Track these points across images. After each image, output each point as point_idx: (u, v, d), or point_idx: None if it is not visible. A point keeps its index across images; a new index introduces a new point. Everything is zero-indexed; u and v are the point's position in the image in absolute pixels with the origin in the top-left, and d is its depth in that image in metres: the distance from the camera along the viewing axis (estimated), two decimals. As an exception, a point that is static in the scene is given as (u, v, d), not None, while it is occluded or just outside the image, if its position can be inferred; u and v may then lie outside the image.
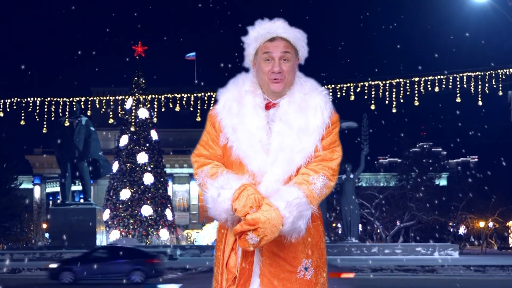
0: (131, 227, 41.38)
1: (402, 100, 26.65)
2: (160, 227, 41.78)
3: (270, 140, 3.42)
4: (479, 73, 25.80)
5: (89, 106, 30.53)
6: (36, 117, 29.65)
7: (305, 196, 3.33)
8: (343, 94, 26.71)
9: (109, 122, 31.06)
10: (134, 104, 39.03)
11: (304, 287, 3.44)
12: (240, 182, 3.36)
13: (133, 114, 38.48)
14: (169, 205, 43.16)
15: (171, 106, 29.87)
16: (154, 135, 43.46)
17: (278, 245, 3.41)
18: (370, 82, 26.66)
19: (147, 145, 42.89)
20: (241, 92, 3.52)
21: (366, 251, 34.69)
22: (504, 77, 25.60)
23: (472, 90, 25.75)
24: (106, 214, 41.08)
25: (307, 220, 3.34)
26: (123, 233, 41.14)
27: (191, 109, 29.25)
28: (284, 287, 3.41)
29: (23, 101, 29.63)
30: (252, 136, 3.42)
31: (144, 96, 36.31)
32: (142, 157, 42.51)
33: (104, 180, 52.08)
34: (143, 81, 43.22)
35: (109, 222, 41.21)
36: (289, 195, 3.31)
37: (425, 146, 75.42)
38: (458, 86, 25.80)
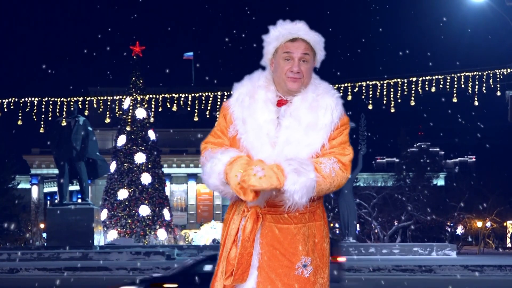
0: (129, 227, 41.37)
1: (399, 100, 26.67)
2: (158, 227, 41.77)
3: (278, 134, 3.48)
4: (477, 73, 25.82)
5: (86, 106, 30.52)
6: (34, 117, 29.63)
7: (310, 162, 3.39)
8: (341, 94, 26.67)
9: (107, 122, 31.03)
10: (131, 104, 38.99)
11: (301, 284, 3.46)
12: (239, 153, 3.44)
13: (130, 114, 38.43)
14: (166, 205, 43.15)
15: (169, 106, 29.88)
16: (151, 135, 43.44)
17: (278, 239, 3.45)
18: (367, 82, 26.67)
19: (145, 145, 42.87)
20: (255, 87, 3.60)
21: (363, 251, 34.71)
22: (502, 77, 25.63)
23: (469, 90, 25.76)
24: (104, 214, 41.06)
25: (312, 185, 3.34)
26: (120, 233, 41.15)
27: (189, 109, 29.26)
28: (282, 282, 3.44)
29: (21, 100, 29.60)
30: (260, 129, 3.49)
31: (141, 96, 36.33)
32: (140, 157, 42.49)
33: (101, 180, 52.04)
34: (141, 81, 43.17)
35: (107, 222, 41.19)
36: (291, 157, 3.40)
37: (422, 146, 75.49)
38: (456, 86, 25.82)
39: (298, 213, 3.47)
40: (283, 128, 3.49)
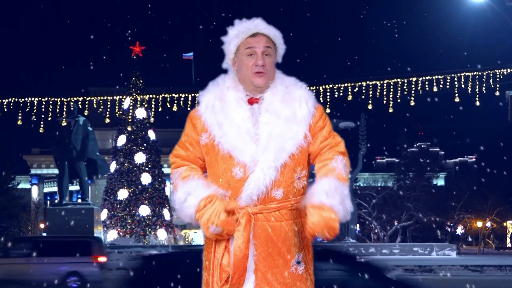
0: (129, 227, 41.35)
1: (399, 100, 26.64)
2: (158, 227, 41.75)
3: (259, 131, 3.46)
4: (477, 73, 25.79)
5: (86, 106, 30.46)
6: (34, 117, 29.57)
7: (336, 179, 3.44)
8: (341, 94, 26.68)
9: (107, 122, 31.02)
10: (131, 104, 38.94)
11: (296, 281, 3.47)
12: (208, 191, 3.44)
13: (130, 114, 38.37)
14: (166, 205, 43.12)
15: (169, 106, 29.84)
16: (151, 135, 43.44)
17: (272, 238, 3.44)
18: (367, 82, 26.64)
19: (145, 145, 42.87)
20: (223, 90, 3.57)
21: (363, 251, 34.69)
22: (501, 77, 25.59)
23: (469, 90, 25.74)
24: (104, 214, 41.04)
25: (349, 198, 3.48)
26: (120, 233, 41.13)
27: (189, 109, 29.08)
28: (277, 282, 3.43)
29: (21, 101, 29.56)
30: (239, 128, 3.46)
31: (141, 96, 36.25)
32: (140, 157, 42.49)
33: (101, 180, 52.02)
34: (141, 81, 43.16)
35: (107, 222, 41.17)
36: (323, 186, 3.42)
37: (422, 146, 75.36)
38: (456, 86, 25.79)
39: (287, 209, 3.48)
40: (263, 124, 3.47)
